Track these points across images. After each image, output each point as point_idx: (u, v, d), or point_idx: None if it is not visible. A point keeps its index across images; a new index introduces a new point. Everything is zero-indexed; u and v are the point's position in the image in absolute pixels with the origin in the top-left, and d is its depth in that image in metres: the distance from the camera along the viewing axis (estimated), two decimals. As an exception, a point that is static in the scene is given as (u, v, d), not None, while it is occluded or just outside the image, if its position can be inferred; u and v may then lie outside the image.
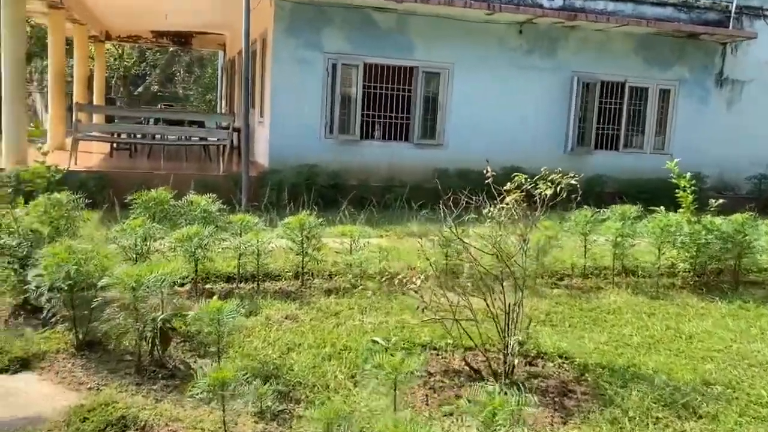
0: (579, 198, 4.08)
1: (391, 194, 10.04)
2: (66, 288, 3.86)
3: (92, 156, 11.72)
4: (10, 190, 8.51)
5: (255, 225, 5.61)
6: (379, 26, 10.51)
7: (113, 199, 8.80)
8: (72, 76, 17.00)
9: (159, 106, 19.87)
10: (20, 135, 9.53)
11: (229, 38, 18.56)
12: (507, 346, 3.81)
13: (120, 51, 26.00)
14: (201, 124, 12.79)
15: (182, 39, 19.13)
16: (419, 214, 8.66)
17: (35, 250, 4.48)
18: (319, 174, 9.91)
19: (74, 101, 14.20)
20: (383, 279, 5.81)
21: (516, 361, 3.88)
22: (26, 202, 8.63)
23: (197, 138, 11.09)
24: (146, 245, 4.88)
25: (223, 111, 19.48)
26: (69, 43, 16.26)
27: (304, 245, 5.70)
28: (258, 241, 5.28)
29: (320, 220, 5.88)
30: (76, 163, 9.87)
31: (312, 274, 6.01)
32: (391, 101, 10.81)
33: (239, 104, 15.79)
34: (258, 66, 11.97)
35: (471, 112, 11.07)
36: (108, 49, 23.20)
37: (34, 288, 3.93)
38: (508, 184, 3.97)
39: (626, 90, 11.83)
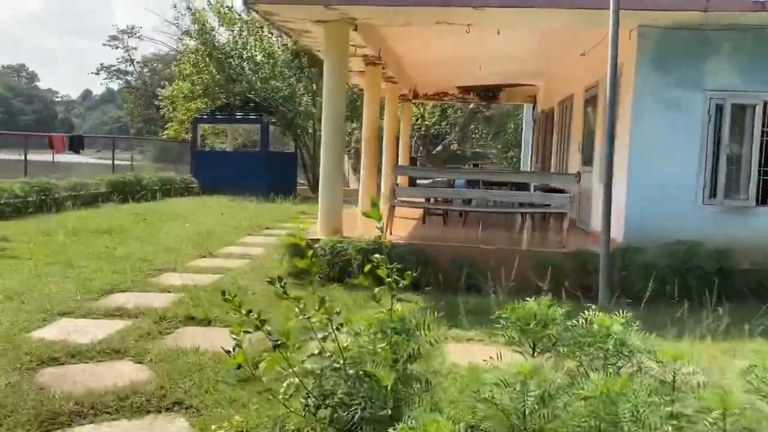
0: None
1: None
2: None
3: (400, 222, 10.44)
4: (324, 266, 7.44)
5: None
6: (789, 50, 7.58)
7: (436, 278, 7.28)
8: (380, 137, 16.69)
9: (467, 165, 18.74)
10: (336, 202, 8.54)
11: (542, 88, 16.73)
12: None
13: (422, 110, 26.00)
14: (518, 186, 10.93)
15: (490, 93, 17.83)
16: None
17: (372, 412, 2.72)
18: (698, 254, 7.21)
19: (382, 162, 13.50)
20: None
21: None
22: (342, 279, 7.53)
23: (532, 203, 9.09)
24: (543, 406, 2.83)
25: (532, 169, 17.61)
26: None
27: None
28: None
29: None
30: (391, 233, 8.59)
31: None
32: (803, 152, 7.70)
33: (557, 161, 13.70)
34: (598, 113, 9.74)
35: None
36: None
37: None
38: None
39: None
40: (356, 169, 22.85)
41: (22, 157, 15.29)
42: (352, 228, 9.07)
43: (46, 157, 17.55)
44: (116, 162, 20.07)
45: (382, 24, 8.87)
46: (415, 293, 6.94)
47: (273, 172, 20.56)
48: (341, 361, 2.98)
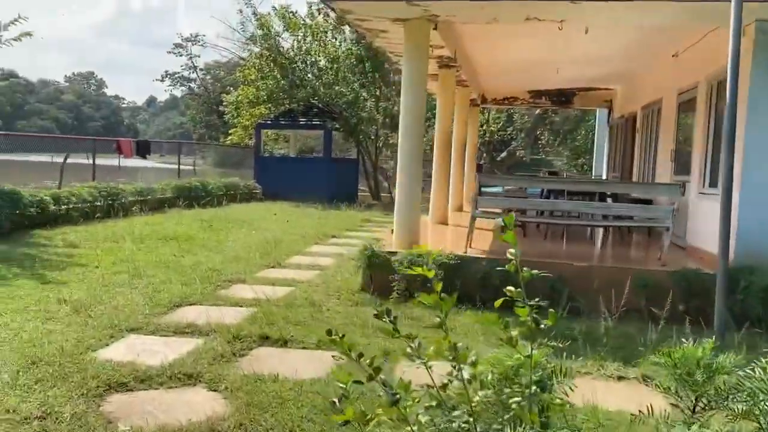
0: None
1: None
2: None
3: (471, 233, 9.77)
4: (401, 287, 6.89)
5: None
6: None
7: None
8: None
9: (542, 172, 17.96)
10: (413, 213, 8.00)
11: (621, 91, 15.84)
12: None
13: (486, 116, 25.27)
14: (600, 197, 10.14)
15: (563, 97, 17.02)
16: None
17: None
18: (825, 276, 6.36)
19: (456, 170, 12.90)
20: None
21: None
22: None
23: (631, 216, 8.32)
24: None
25: (607, 177, 16.70)
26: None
27: None
28: None
29: None
30: (471, 246, 7.99)
31: None
32: None
33: (641, 169, 12.84)
34: (698, 118, 8.91)
35: None
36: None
37: None
38: None
39: None
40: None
41: (91, 161, 15.34)
42: (423, 239, 8.54)
43: (112, 161, 17.65)
44: (180, 167, 20.06)
45: (465, 21, 8.30)
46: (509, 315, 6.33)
47: (336, 179, 20.25)
48: (471, 420, 2.42)
